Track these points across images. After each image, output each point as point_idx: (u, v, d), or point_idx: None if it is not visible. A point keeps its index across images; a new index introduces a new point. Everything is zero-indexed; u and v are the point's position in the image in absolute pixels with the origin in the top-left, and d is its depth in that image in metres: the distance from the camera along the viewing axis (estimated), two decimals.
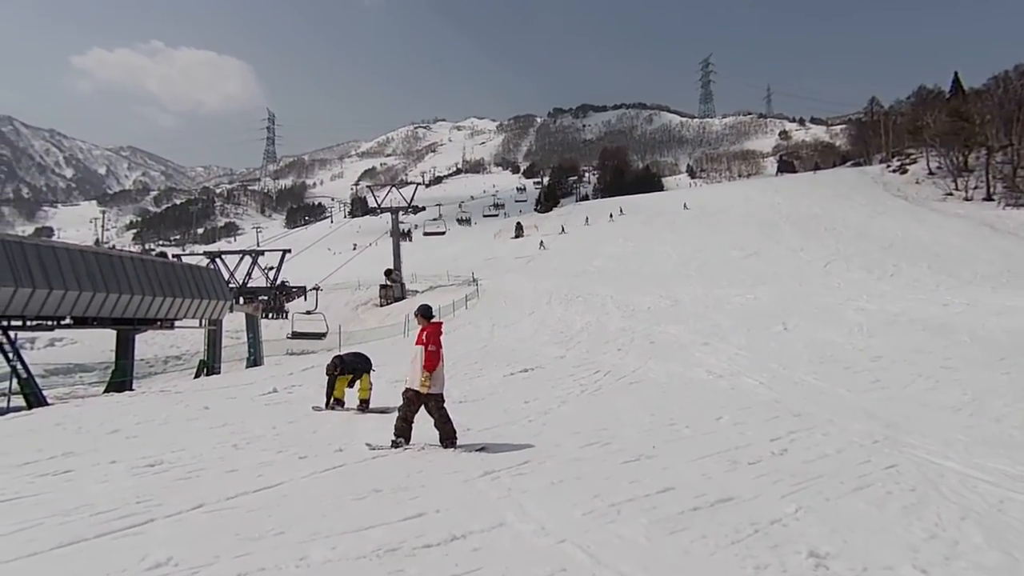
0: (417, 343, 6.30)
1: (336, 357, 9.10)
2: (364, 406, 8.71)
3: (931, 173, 56.00)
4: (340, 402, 8.84)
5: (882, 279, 27.31)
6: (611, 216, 57.22)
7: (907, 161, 61.77)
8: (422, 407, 6.24)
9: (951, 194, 50.43)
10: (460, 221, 65.93)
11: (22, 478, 5.31)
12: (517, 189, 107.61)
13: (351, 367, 8.91)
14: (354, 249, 60.08)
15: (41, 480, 5.26)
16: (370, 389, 8.87)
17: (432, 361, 6.16)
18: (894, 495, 4.54)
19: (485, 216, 71.62)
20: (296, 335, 26.83)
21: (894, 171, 61.17)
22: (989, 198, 47.95)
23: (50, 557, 3.61)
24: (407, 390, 6.23)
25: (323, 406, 8.83)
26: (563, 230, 55.17)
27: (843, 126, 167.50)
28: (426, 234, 49.99)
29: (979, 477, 4.89)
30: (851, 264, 31.34)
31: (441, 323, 6.77)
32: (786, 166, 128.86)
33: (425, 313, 6.51)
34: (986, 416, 7.12)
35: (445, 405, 6.28)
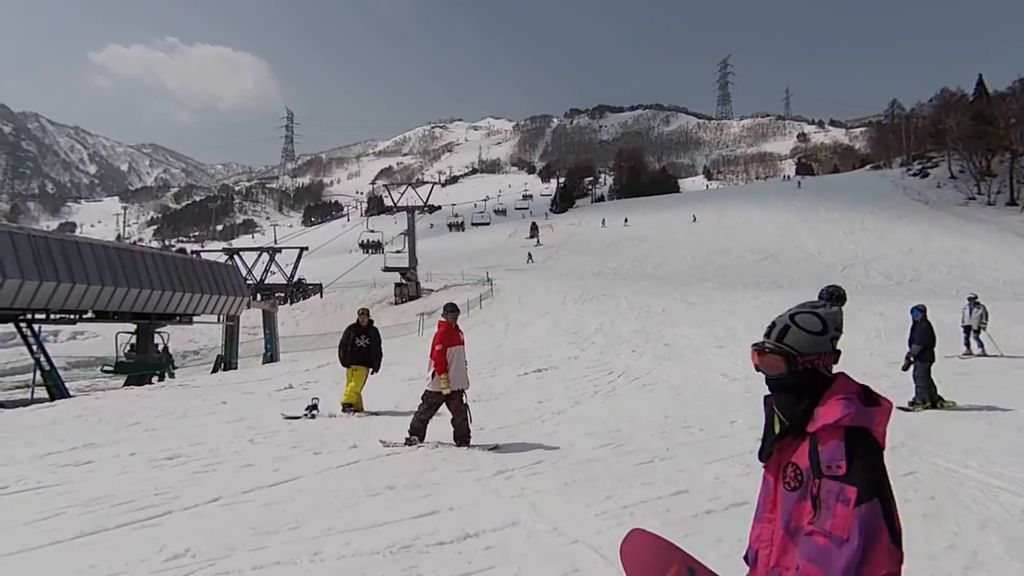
0: (462, 343, 6.44)
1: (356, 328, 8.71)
2: (350, 410, 8.17)
3: (953, 177, 55.02)
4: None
5: (901, 284, 26.92)
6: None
7: (928, 165, 60.72)
8: (443, 405, 6.31)
9: (973, 198, 49.54)
10: (497, 212, 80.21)
11: (45, 468, 5.43)
12: (524, 196, 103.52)
13: (367, 355, 8.51)
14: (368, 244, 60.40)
15: (63, 470, 5.38)
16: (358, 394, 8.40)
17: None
18: (912, 503, 4.47)
19: (474, 224, 71.99)
20: (122, 368, 19.92)
21: (914, 175, 60.19)
22: (1013, 203, 47.03)
23: (72, 546, 3.69)
24: (453, 392, 6.23)
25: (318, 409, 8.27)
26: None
27: (863, 129, 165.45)
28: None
29: (1000, 486, 4.79)
30: (870, 269, 30.94)
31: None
32: (804, 169, 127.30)
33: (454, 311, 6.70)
34: (1007, 424, 6.98)
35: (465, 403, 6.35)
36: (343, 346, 8.61)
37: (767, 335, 1.55)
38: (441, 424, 6.36)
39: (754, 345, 1.57)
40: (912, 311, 8.76)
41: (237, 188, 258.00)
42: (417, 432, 6.29)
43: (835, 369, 1.56)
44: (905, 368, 8.36)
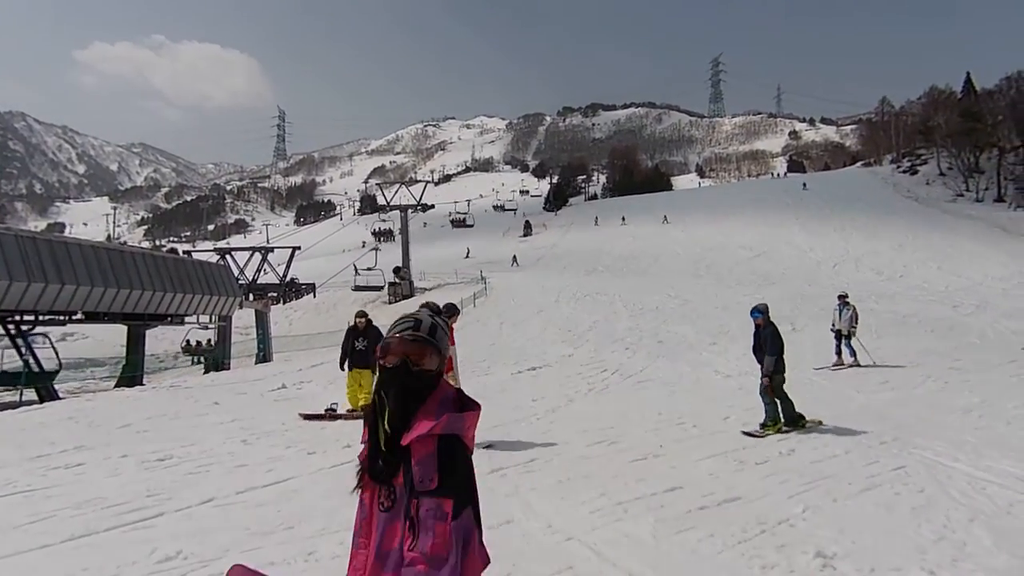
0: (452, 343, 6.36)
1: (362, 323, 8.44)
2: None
3: (942, 174, 55.42)
4: (333, 411, 8.15)
5: (892, 280, 27.11)
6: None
7: (918, 162, 61.16)
8: None
9: (962, 195, 49.93)
10: (496, 208, 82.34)
11: (35, 471, 5.38)
12: (521, 191, 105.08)
13: (367, 358, 8.14)
14: (363, 246, 60.23)
15: (53, 473, 5.34)
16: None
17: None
18: (903, 496, 4.52)
19: (465, 225, 70.30)
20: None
21: (904, 172, 60.60)
22: (1000, 199, 47.46)
23: (62, 549, 3.66)
24: None
25: (324, 411, 8.22)
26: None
27: (853, 126, 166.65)
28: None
29: (989, 479, 4.85)
30: (860, 265, 31.14)
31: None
32: (796, 166, 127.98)
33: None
34: (996, 418, 7.05)
35: None
36: (343, 350, 8.51)
37: (415, 328, 1.43)
38: None
39: (409, 333, 1.43)
40: (752, 313, 7.15)
41: (228, 187, 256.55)
42: None
43: None
44: (764, 390, 6.74)
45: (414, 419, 1.37)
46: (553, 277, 32.45)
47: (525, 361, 13.40)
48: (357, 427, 7.35)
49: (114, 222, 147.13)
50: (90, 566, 3.39)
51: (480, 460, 5.59)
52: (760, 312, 7.02)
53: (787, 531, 3.89)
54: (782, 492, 4.64)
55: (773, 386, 6.67)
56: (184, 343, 25.30)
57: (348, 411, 8.15)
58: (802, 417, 6.70)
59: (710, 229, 44.79)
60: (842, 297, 12.08)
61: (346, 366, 8.44)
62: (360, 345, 8.40)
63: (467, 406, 1.42)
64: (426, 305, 1.48)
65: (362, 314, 8.78)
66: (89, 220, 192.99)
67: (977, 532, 3.85)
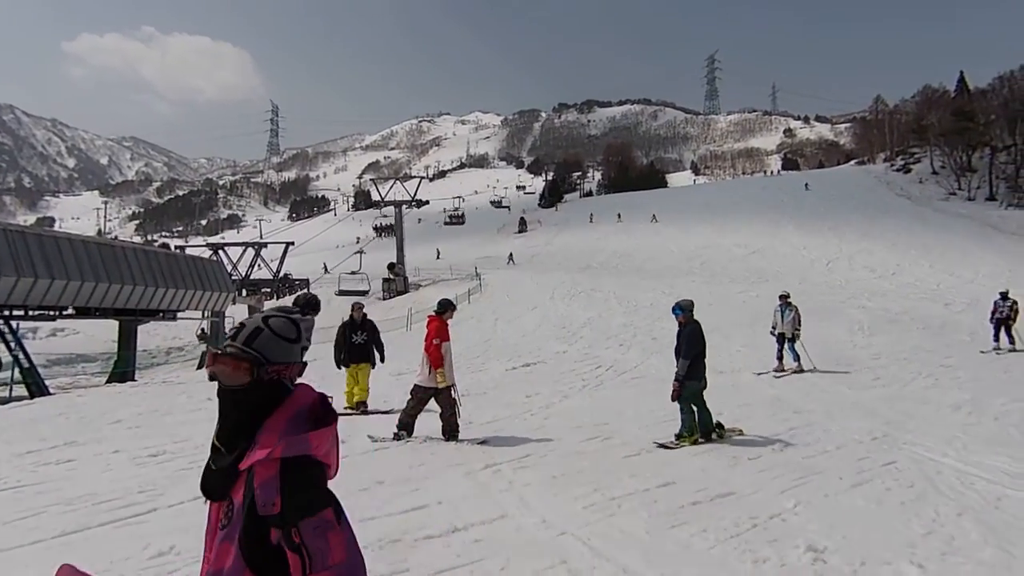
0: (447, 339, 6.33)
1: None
2: (363, 407, 8.08)
3: (935, 172, 55.71)
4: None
5: (884, 278, 27.25)
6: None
7: (911, 160, 61.43)
8: (431, 400, 6.29)
9: (954, 194, 50.23)
10: (493, 204, 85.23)
11: (25, 467, 5.35)
12: (517, 187, 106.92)
13: (367, 351, 8.23)
14: (357, 242, 60.08)
15: (44, 469, 5.31)
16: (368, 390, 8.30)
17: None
18: (893, 491, 4.56)
19: (448, 224, 69.19)
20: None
21: (898, 170, 60.86)
22: (992, 198, 47.80)
23: (53, 545, 3.64)
24: (442, 387, 6.18)
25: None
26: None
27: (847, 124, 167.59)
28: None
29: (977, 474, 4.90)
30: (854, 263, 31.28)
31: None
32: (790, 164, 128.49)
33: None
34: (985, 414, 7.12)
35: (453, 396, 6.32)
36: (339, 347, 8.32)
37: (233, 337, 1.33)
38: (430, 419, 6.35)
39: (228, 343, 1.34)
40: (673, 310, 6.42)
41: (221, 182, 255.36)
42: (405, 427, 6.28)
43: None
44: (676, 397, 6.05)
45: (258, 436, 1.27)
46: (548, 274, 32.43)
47: (519, 357, 13.41)
48: (352, 425, 7.35)
49: (105, 216, 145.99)
50: (82, 561, 3.36)
51: (474, 456, 5.65)
52: (681, 309, 6.26)
53: (779, 526, 3.92)
54: (774, 487, 4.67)
55: (686, 393, 6.01)
56: (199, 331, 26.77)
57: (344, 409, 7.98)
58: (720, 426, 6.22)
59: (705, 227, 44.85)
60: (783, 297, 11.21)
61: (343, 363, 8.32)
62: (359, 339, 8.31)
63: (320, 421, 1.32)
64: (297, 298, 1.38)
65: (359, 306, 8.75)
66: (79, 214, 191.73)
67: (966, 526, 3.89)
